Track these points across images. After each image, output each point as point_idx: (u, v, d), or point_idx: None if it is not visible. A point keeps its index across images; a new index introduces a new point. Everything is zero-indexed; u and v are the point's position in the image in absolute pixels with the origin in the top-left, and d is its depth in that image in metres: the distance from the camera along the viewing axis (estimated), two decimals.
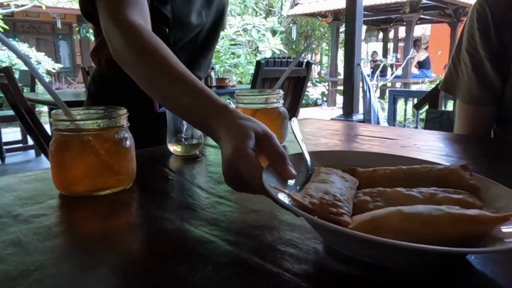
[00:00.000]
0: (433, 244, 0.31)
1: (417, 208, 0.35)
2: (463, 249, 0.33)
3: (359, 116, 4.64)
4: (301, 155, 0.51)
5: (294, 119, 0.68)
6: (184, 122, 0.79)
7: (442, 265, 0.36)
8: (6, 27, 8.52)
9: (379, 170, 0.48)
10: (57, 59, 12.38)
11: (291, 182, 0.45)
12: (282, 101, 0.88)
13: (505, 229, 0.35)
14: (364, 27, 9.57)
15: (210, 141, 0.96)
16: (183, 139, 0.80)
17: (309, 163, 0.49)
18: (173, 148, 0.81)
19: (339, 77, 8.65)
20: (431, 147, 0.86)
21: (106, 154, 0.57)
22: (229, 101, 8.46)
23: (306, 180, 0.46)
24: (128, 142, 0.59)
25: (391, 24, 10.24)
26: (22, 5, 9.74)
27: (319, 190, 0.39)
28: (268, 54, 8.68)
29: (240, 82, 7.66)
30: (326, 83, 9.75)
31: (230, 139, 0.48)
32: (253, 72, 2.85)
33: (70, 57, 14.14)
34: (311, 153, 0.52)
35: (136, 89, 0.65)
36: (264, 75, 2.75)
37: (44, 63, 9.68)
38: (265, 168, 0.44)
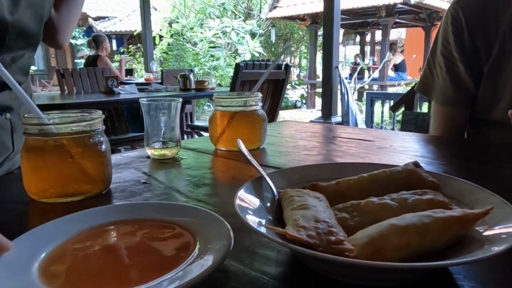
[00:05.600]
0: (431, 250, 0.34)
1: (408, 218, 0.36)
2: (465, 260, 0.33)
3: (338, 118, 4.70)
4: (260, 179, 0.48)
5: (239, 140, 0.65)
6: (162, 125, 0.78)
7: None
8: None
9: (342, 182, 0.47)
10: None
11: (259, 212, 0.42)
12: (261, 104, 0.88)
13: (486, 232, 0.36)
14: (341, 31, 9.72)
15: (188, 144, 0.95)
16: (160, 143, 0.79)
17: (273, 187, 0.47)
18: (151, 151, 0.80)
19: (317, 79, 8.74)
20: (407, 148, 0.88)
21: (80, 159, 0.56)
22: (208, 103, 8.43)
23: (274, 206, 0.44)
24: (103, 146, 0.58)
25: (368, 28, 10.44)
26: None
27: (309, 219, 0.36)
28: (247, 57, 8.69)
29: (219, 85, 7.65)
30: (305, 86, 9.84)
31: None
32: (232, 74, 2.85)
33: (44, 59, 13.77)
34: (270, 175, 0.49)
35: None
36: (243, 77, 2.75)
37: None
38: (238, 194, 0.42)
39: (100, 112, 0.59)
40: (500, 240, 0.34)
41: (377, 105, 4.68)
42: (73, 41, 11.78)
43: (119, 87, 2.97)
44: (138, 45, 10.46)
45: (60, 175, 0.55)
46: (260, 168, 0.51)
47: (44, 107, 0.58)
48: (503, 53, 0.98)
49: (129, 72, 5.73)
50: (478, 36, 1.00)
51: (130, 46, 11.48)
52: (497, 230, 0.36)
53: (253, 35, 9.53)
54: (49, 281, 0.33)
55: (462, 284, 0.35)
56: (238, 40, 9.26)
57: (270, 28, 10.96)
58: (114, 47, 12.51)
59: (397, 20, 8.80)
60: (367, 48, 11.26)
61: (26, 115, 0.54)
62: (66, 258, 0.37)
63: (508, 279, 0.36)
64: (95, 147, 0.57)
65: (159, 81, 4.12)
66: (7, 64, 0.82)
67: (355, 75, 7.18)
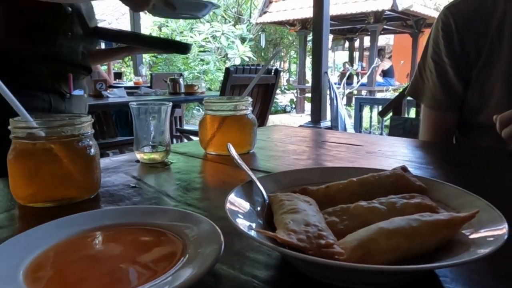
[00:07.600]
0: (419, 253, 0.35)
1: (396, 222, 0.36)
2: (451, 262, 0.34)
3: (327, 123, 4.73)
4: (250, 183, 0.48)
5: (229, 144, 0.65)
6: (152, 129, 0.78)
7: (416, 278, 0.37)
8: None
9: (332, 186, 0.48)
10: None
11: (250, 216, 0.42)
12: (251, 108, 0.89)
13: (472, 235, 0.37)
14: (330, 36, 9.81)
15: (177, 148, 0.94)
16: (150, 147, 0.79)
17: (263, 191, 0.47)
18: (140, 155, 0.79)
19: (307, 84, 8.80)
20: (395, 153, 0.89)
21: (69, 163, 0.55)
22: (198, 107, 8.41)
23: (264, 210, 0.44)
24: (92, 150, 0.58)
25: (357, 34, 10.56)
26: None
27: (299, 223, 0.36)
28: (237, 61, 8.71)
29: (209, 89, 7.64)
30: (295, 91, 9.89)
31: None
32: (222, 79, 2.85)
33: None
34: (260, 179, 0.49)
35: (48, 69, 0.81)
36: (233, 82, 2.75)
37: None
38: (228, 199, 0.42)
39: (89, 115, 0.58)
40: (485, 243, 0.34)
41: (366, 110, 4.72)
42: None
43: (108, 91, 2.94)
44: None
45: (48, 179, 0.55)
46: (250, 172, 0.51)
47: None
48: (492, 55, 1.00)
49: (118, 75, 5.69)
50: (468, 41, 1.03)
51: None
52: (482, 233, 0.37)
53: (243, 39, 9.56)
54: (35, 287, 0.33)
55: (449, 286, 0.35)
56: (228, 44, 9.28)
57: (260, 33, 11.01)
58: None
59: (385, 26, 8.93)
60: (356, 54, 11.38)
61: (14, 119, 0.54)
62: (54, 264, 0.37)
63: (494, 281, 0.37)
64: (84, 151, 0.57)
65: (148, 84, 4.10)
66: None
67: (344, 80, 7.24)
